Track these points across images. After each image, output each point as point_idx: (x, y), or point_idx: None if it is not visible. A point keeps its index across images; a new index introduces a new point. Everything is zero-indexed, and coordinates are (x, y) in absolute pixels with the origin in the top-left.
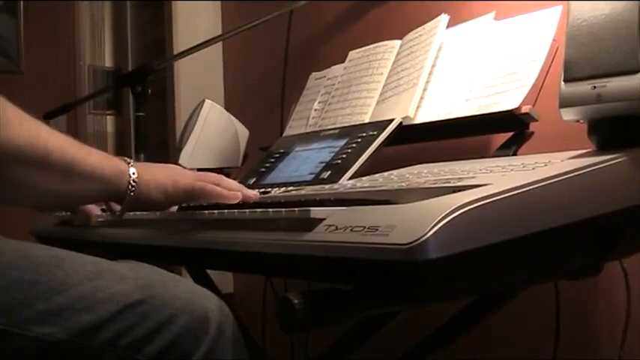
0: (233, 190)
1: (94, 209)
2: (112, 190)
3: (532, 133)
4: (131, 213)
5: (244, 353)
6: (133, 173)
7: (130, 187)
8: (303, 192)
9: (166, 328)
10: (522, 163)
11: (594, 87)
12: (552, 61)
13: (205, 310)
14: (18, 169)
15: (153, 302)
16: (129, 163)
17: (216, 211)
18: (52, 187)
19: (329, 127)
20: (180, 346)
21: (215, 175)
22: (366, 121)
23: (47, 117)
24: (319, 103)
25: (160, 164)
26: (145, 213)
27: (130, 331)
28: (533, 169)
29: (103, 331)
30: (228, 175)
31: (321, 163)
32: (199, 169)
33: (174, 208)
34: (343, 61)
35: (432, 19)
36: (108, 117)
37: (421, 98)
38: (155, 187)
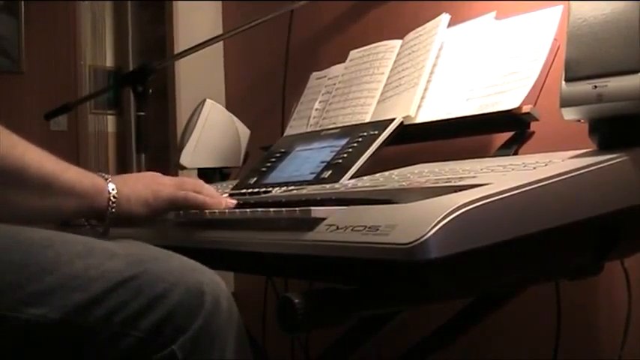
0: (214, 197)
1: None
2: (90, 207)
3: (533, 132)
4: None
5: (241, 325)
6: (113, 189)
7: (110, 203)
8: (304, 191)
9: (161, 302)
10: (523, 163)
11: (595, 86)
12: (553, 61)
13: (200, 283)
14: None
15: (145, 277)
16: (107, 179)
17: (217, 211)
18: (27, 203)
19: (330, 126)
20: (176, 320)
21: (195, 181)
22: (367, 120)
23: (48, 117)
24: (320, 102)
25: (138, 174)
26: None
27: (123, 308)
28: (534, 168)
29: (97, 309)
30: (228, 175)
31: (322, 162)
32: (200, 169)
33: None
34: (344, 61)
35: (433, 18)
36: (109, 117)
37: (422, 98)
38: (136, 200)
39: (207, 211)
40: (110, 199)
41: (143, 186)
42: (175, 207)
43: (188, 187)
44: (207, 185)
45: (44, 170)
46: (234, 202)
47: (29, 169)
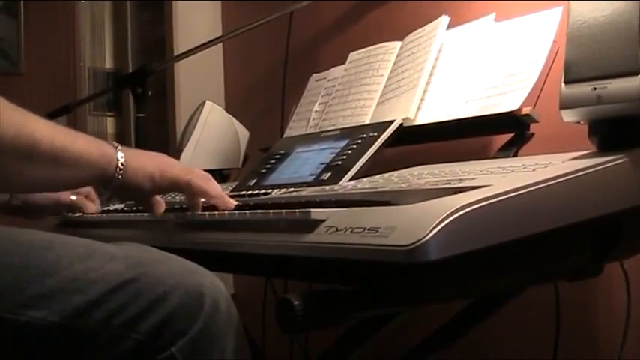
0: (217, 192)
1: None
2: (99, 174)
3: (532, 134)
4: (132, 214)
5: (240, 327)
6: (121, 157)
7: (117, 170)
8: (303, 193)
9: (160, 305)
10: (523, 165)
11: (595, 88)
12: (553, 63)
13: (199, 286)
14: (5, 160)
15: (145, 280)
16: (116, 147)
17: (216, 213)
18: (40, 176)
19: (329, 128)
20: (176, 323)
21: (203, 172)
22: (367, 122)
23: (48, 118)
24: (320, 104)
25: (149, 152)
26: (145, 214)
27: (123, 310)
28: (533, 170)
29: (96, 311)
30: (228, 176)
31: (322, 164)
32: None
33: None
34: (343, 63)
35: (433, 20)
36: (108, 118)
37: (421, 99)
38: (143, 173)
39: (207, 213)
40: (118, 167)
41: (152, 162)
42: (178, 188)
43: (195, 175)
44: (214, 181)
45: (56, 144)
46: (235, 203)
47: (41, 145)
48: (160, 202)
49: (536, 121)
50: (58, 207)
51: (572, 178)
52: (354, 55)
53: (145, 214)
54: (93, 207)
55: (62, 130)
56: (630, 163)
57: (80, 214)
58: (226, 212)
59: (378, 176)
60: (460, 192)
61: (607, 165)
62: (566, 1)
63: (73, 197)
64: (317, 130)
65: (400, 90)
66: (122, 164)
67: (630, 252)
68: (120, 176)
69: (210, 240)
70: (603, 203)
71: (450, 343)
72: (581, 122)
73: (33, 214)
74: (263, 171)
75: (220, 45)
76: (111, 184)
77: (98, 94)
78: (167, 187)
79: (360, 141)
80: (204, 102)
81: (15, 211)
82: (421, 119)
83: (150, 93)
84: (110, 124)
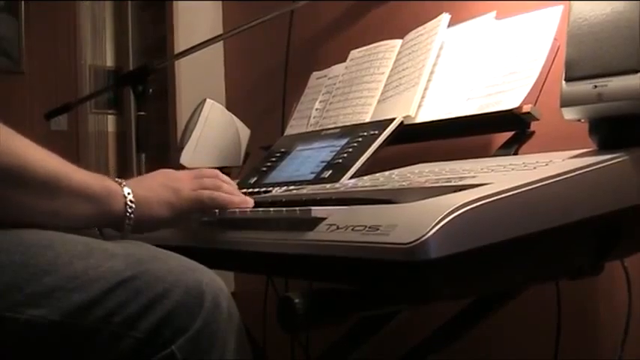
0: (234, 193)
1: None
2: (104, 212)
3: (533, 132)
4: None
5: (241, 325)
6: (128, 193)
7: (127, 208)
8: (304, 191)
9: (160, 302)
10: (523, 163)
11: (595, 86)
12: (553, 61)
13: (199, 283)
14: None
15: (145, 278)
16: (120, 183)
17: (217, 211)
18: (32, 205)
19: (330, 126)
20: (176, 321)
21: (211, 171)
22: (367, 120)
23: (48, 116)
24: (320, 102)
25: (149, 174)
26: None
27: (123, 308)
28: (534, 168)
29: (96, 310)
30: (228, 174)
31: (322, 162)
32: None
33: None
34: (344, 61)
35: (433, 18)
36: (109, 116)
37: (422, 97)
38: (157, 202)
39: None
40: (127, 204)
41: (160, 185)
42: (200, 206)
43: (207, 182)
44: (224, 177)
45: (48, 169)
46: (252, 201)
47: (32, 167)
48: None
49: (537, 119)
50: None
51: (573, 176)
52: (354, 54)
53: None
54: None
55: (57, 157)
56: (631, 161)
57: None
58: (227, 210)
59: (378, 174)
60: (461, 190)
61: (608, 163)
62: (567, 0)
63: None
64: (318, 128)
65: (401, 88)
66: (131, 200)
67: (631, 250)
68: (132, 214)
69: (211, 238)
70: (604, 201)
71: (450, 343)
72: (582, 120)
73: None
74: (264, 169)
75: (221, 43)
76: (124, 224)
77: (99, 92)
78: (189, 208)
79: (360, 139)
80: (204, 100)
81: None
82: (422, 117)
83: (151, 91)
84: (111, 122)
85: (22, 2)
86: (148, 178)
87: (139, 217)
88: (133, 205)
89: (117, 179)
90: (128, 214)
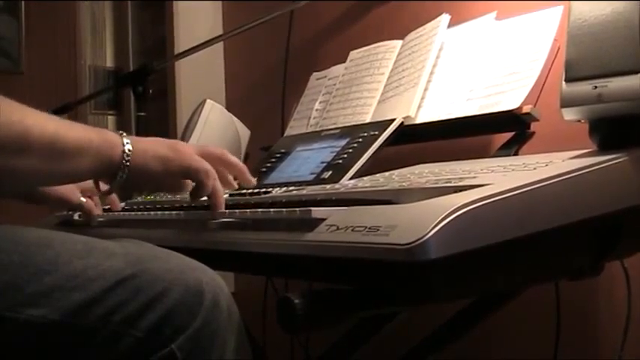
0: (238, 164)
1: (95, 208)
2: (103, 163)
3: (533, 132)
4: (132, 212)
5: (241, 325)
6: (127, 143)
7: (124, 156)
8: (304, 192)
9: (160, 301)
10: (523, 163)
11: (595, 87)
12: (553, 61)
13: (199, 282)
14: None
15: (144, 276)
16: (121, 134)
17: (217, 212)
18: (35, 168)
19: (330, 127)
20: (175, 319)
21: (218, 149)
22: (367, 120)
23: None
24: (320, 103)
25: (157, 138)
26: (145, 213)
27: (123, 307)
28: (534, 169)
29: (96, 308)
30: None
31: (322, 163)
32: None
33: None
34: (344, 61)
35: (433, 19)
36: (109, 117)
37: (422, 98)
38: (153, 155)
39: (207, 212)
40: (125, 152)
41: (162, 144)
42: (195, 177)
43: (211, 156)
44: (231, 156)
45: (48, 131)
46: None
47: (32, 133)
48: (187, 182)
49: (537, 120)
50: (61, 202)
51: (573, 176)
52: (354, 54)
53: (145, 213)
54: (99, 211)
55: (55, 118)
56: (631, 161)
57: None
58: (227, 211)
59: (378, 175)
60: (461, 191)
61: (608, 164)
62: (567, 0)
63: (83, 199)
64: (318, 129)
65: (401, 89)
66: (129, 149)
67: (631, 251)
68: (127, 162)
69: (212, 239)
70: (604, 202)
71: (450, 343)
72: (582, 121)
73: (35, 199)
74: (264, 170)
75: (221, 44)
76: (117, 173)
77: (99, 92)
78: (181, 171)
79: (360, 139)
80: (204, 100)
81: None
82: (422, 118)
83: (151, 92)
84: (111, 122)
85: (22, 2)
86: (152, 138)
87: (132, 167)
88: (130, 156)
89: (119, 132)
90: (123, 162)
